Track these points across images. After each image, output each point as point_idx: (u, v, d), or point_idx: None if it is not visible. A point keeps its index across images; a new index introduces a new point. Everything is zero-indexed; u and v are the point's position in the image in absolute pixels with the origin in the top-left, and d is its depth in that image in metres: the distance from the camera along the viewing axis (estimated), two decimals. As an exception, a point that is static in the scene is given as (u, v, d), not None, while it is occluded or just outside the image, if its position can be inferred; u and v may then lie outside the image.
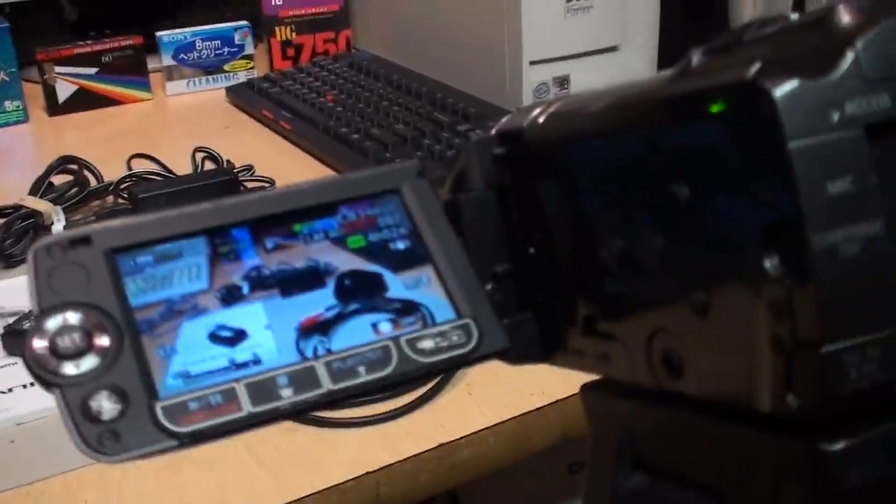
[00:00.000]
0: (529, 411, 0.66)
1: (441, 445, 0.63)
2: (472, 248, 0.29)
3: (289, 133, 1.12)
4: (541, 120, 0.29)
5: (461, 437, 0.64)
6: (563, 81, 1.11)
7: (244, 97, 1.23)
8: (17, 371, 0.71)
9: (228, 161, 1.01)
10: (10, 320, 0.75)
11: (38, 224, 0.87)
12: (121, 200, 0.92)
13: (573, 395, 0.67)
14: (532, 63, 1.08)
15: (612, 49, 1.14)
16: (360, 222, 0.29)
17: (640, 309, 0.26)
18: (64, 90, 1.22)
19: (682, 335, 0.24)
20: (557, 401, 0.67)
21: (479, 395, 0.67)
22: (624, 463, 0.27)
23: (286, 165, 1.05)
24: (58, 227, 0.87)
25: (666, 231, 0.24)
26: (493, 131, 0.31)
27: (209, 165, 1.02)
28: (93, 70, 1.23)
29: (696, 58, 0.24)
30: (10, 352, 0.73)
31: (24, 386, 0.69)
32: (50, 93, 1.22)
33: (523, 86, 1.08)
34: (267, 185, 0.96)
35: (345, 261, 0.28)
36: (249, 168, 0.98)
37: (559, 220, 0.28)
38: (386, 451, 0.63)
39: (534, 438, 0.68)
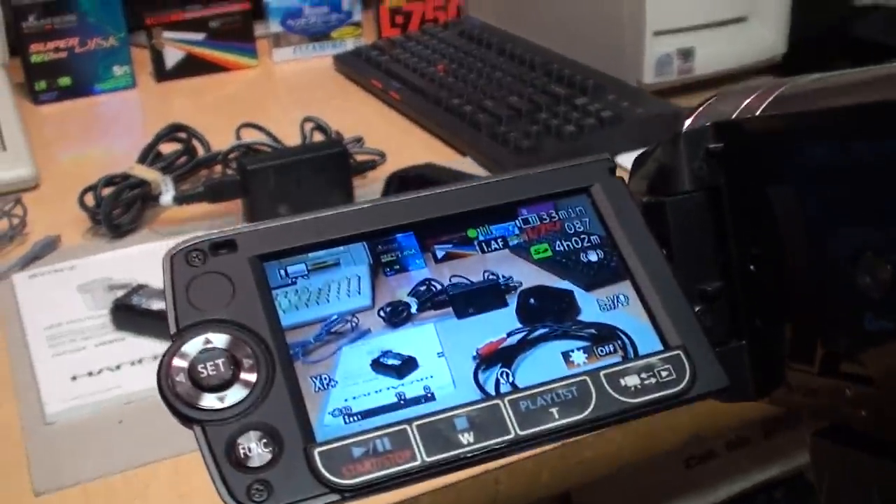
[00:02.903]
0: (659, 411, 0.62)
1: (564, 444, 0.60)
2: (678, 262, 0.24)
3: (398, 104, 1.08)
4: (759, 110, 0.24)
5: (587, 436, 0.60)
6: (686, 54, 1.06)
7: (352, 65, 1.20)
8: (125, 346, 0.69)
9: (337, 132, 0.98)
10: (119, 293, 0.73)
11: (146, 194, 0.86)
12: (229, 171, 0.90)
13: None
14: (655, 34, 1.02)
15: (740, 20, 1.08)
16: (545, 228, 0.24)
17: None
18: (172, 56, 1.21)
19: None
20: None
21: (606, 392, 0.63)
22: None
23: (396, 137, 1.01)
24: (166, 197, 0.85)
25: None
26: (690, 120, 0.26)
27: (317, 136, 0.99)
28: (200, 36, 1.21)
29: None
30: (120, 326, 0.71)
31: (133, 363, 0.67)
32: (158, 58, 1.21)
33: (644, 58, 1.03)
34: (377, 158, 0.92)
35: (528, 274, 0.24)
36: (359, 140, 0.95)
37: (792, 233, 0.23)
38: (506, 448, 0.59)
39: (661, 437, 0.64)
